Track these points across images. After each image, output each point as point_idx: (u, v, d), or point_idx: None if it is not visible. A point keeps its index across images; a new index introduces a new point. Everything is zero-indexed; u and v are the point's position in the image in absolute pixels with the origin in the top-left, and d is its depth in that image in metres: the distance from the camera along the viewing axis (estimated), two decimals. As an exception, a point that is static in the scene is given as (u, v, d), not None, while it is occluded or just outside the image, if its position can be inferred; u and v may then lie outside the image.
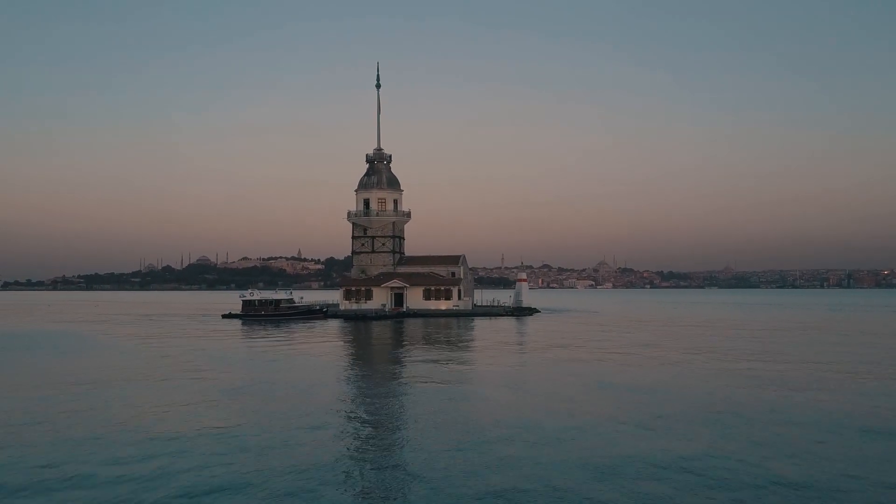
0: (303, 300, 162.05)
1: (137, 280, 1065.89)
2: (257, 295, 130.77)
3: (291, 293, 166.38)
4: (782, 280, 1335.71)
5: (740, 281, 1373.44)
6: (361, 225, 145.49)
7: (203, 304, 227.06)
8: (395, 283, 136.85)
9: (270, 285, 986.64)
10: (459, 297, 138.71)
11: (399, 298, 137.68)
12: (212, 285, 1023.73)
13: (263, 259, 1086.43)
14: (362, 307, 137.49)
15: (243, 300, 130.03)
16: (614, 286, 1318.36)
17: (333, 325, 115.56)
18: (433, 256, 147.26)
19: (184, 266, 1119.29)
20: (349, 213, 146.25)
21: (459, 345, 78.40)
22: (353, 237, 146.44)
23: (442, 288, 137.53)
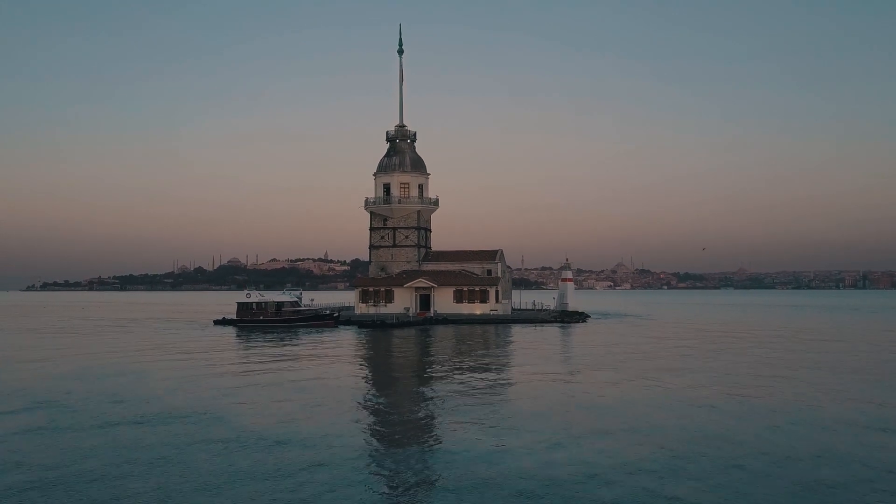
0: (313, 302, 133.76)
1: (170, 281, 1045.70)
2: (255, 296, 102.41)
3: (300, 294, 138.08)
4: (796, 281, 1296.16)
5: (754, 282, 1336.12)
6: (381, 214, 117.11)
7: (207, 306, 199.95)
8: (421, 282, 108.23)
9: (298, 286, 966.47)
10: (497, 300, 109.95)
11: (425, 301, 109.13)
12: (241, 286, 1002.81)
13: (291, 260, 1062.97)
14: (381, 311, 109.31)
15: (238, 303, 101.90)
16: (632, 287, 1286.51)
17: (346, 335, 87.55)
18: (465, 251, 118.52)
19: (215, 267, 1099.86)
20: (366, 201, 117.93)
21: (507, 371, 49.70)
22: (371, 229, 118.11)
23: (476, 289, 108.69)
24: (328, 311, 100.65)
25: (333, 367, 53.34)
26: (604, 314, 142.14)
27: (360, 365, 55.68)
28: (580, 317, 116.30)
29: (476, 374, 48.43)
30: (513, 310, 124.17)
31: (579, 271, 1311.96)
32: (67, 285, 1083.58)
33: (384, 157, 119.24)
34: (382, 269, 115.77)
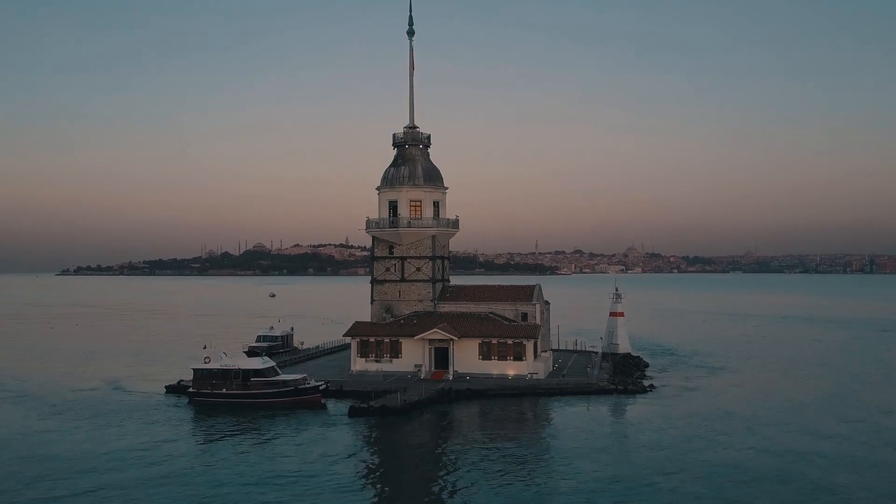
0: (303, 345, 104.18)
1: (197, 266, 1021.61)
2: (219, 358, 72.04)
3: (292, 329, 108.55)
4: (803, 265, 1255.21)
5: (762, 266, 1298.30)
6: (386, 240, 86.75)
7: (200, 328, 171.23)
8: (437, 333, 77.85)
9: (320, 271, 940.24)
10: (536, 355, 79.64)
11: (442, 356, 78.94)
12: (266, 271, 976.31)
13: (314, 246, 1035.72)
14: (386, 369, 79.48)
15: (194, 370, 71.80)
16: (643, 271, 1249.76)
17: (330, 431, 57.94)
18: (493, 288, 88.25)
19: (241, 252, 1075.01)
20: (368, 222, 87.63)
21: None
22: (374, 258, 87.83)
23: (509, 342, 78.20)
24: (310, 383, 70.21)
25: None
26: (661, 351, 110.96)
27: None
28: (639, 375, 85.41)
29: None
30: (552, 350, 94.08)
31: (591, 255, 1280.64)
32: (100, 269, 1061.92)
33: (390, 166, 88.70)
34: (388, 311, 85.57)
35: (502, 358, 78.17)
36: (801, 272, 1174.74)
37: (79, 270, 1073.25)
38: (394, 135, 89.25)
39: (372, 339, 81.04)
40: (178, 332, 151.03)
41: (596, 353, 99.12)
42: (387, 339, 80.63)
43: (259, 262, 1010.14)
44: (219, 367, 70.65)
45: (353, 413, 63.27)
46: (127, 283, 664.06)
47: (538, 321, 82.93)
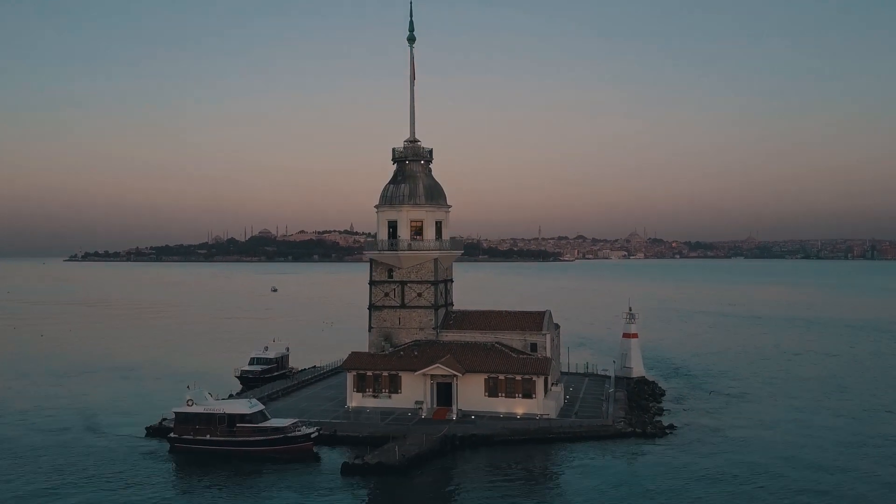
0: (293, 370, 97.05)
1: (203, 252, 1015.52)
2: (203, 400, 65.18)
3: (287, 350, 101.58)
4: (804, 250, 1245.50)
5: (763, 251, 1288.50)
6: (385, 264, 79.70)
7: (193, 353, 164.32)
8: (440, 368, 70.99)
9: (324, 258, 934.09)
10: (546, 390, 72.83)
11: (445, 392, 72.14)
12: (271, 257, 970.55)
13: (319, 232, 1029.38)
14: (385, 405, 72.79)
15: (176, 413, 65.00)
16: (645, 256, 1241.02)
17: (322, 496, 51.29)
18: (500, 314, 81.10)
19: (247, 238, 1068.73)
20: (366, 243, 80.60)
21: None
22: (372, 282, 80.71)
23: (517, 378, 71.33)
24: (302, 430, 63.39)
25: None
26: (675, 371, 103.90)
27: None
28: (656, 409, 78.47)
29: None
30: (561, 374, 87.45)
31: (594, 240, 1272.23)
32: (107, 256, 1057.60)
33: (389, 183, 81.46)
34: (387, 339, 78.72)
35: (510, 395, 71.36)
36: (802, 258, 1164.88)
37: (86, 256, 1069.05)
38: (393, 149, 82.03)
39: (369, 373, 74.21)
40: (172, 346, 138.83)
41: (608, 375, 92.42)
42: (385, 373, 73.80)
43: (265, 248, 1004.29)
44: (202, 412, 63.86)
45: (346, 471, 56.43)
46: (132, 271, 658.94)
47: (548, 352, 76.06)
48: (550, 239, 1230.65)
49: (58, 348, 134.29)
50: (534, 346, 76.36)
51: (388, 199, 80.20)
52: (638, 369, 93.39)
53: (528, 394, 71.03)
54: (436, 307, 78.44)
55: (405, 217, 78.93)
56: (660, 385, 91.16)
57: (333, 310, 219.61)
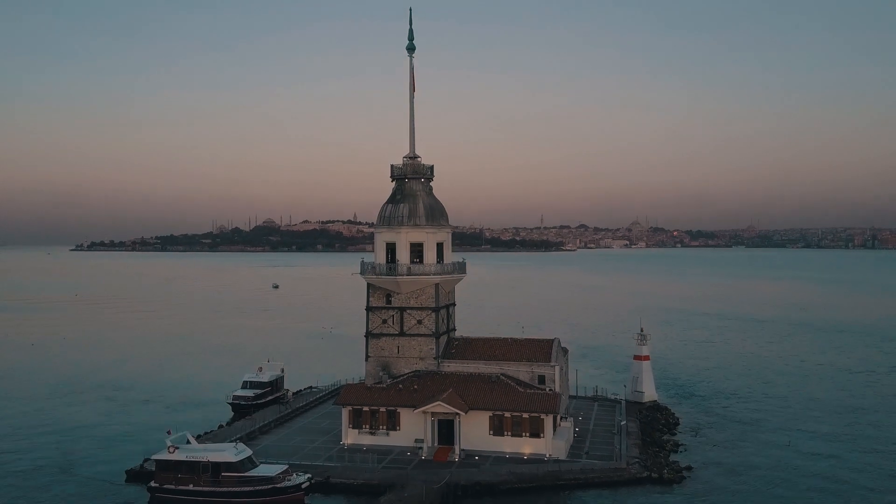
0: (288, 393, 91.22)
1: (208, 241, 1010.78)
2: (186, 444, 59.62)
3: (283, 371, 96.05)
4: (804, 239, 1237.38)
5: (764, 240, 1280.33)
6: (383, 288, 73.97)
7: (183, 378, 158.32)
8: (441, 406, 65.34)
9: (328, 248, 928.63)
10: (555, 426, 67.25)
11: (447, 429, 66.64)
12: (275, 247, 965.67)
13: (322, 222, 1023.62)
14: (382, 443, 67.41)
15: (157, 461, 59.51)
16: (647, 245, 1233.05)
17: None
18: (506, 342, 75.41)
19: (251, 228, 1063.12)
20: (362, 265, 74.85)
21: None
22: (369, 308, 74.91)
23: (524, 416, 65.74)
24: (293, 479, 57.91)
25: None
26: (688, 393, 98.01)
27: None
28: (671, 444, 72.76)
29: None
30: (570, 398, 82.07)
31: (596, 229, 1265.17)
32: (112, 245, 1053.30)
33: (387, 202, 75.58)
34: (385, 370, 73.11)
35: (517, 434, 65.80)
36: (803, 247, 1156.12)
37: (92, 246, 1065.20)
38: (392, 166, 76.14)
39: (366, 409, 68.69)
40: (163, 361, 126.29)
41: (619, 400, 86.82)
42: (382, 409, 68.29)
43: (269, 238, 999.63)
44: (185, 459, 58.38)
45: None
46: (135, 263, 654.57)
47: (557, 386, 70.45)
48: (552, 228, 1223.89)
49: (45, 361, 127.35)
50: (542, 379, 70.79)
51: (387, 219, 74.34)
52: (650, 393, 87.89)
53: (536, 433, 65.47)
54: (437, 335, 72.77)
55: (404, 239, 73.12)
56: (673, 412, 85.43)
57: (334, 310, 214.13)
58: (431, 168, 76.33)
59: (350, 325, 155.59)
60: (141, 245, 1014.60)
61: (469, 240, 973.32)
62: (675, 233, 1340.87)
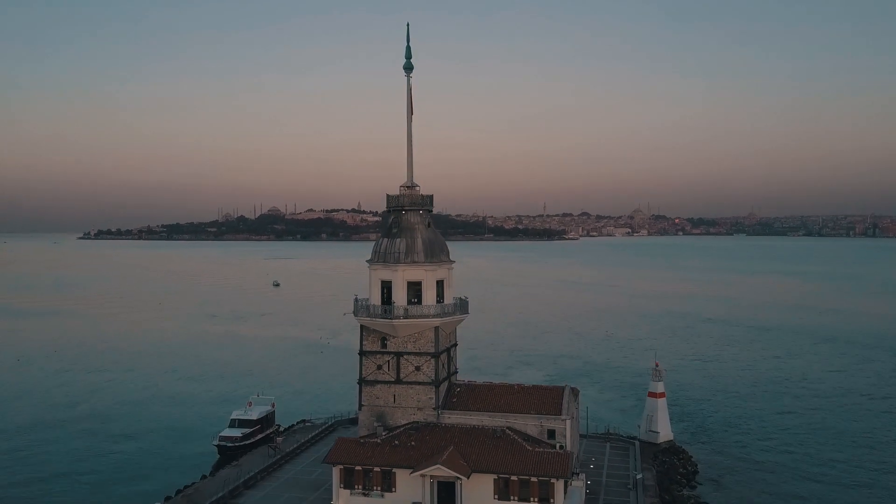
0: (281, 432, 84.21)
1: (213, 230, 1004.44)
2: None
3: (273, 405, 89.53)
4: (805, 227, 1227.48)
5: (765, 227, 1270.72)
6: (378, 332, 66.77)
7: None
8: (440, 470, 58.30)
9: (332, 236, 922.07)
10: (566, 490, 60.16)
11: (447, 493, 59.60)
12: (280, 236, 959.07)
13: (327, 211, 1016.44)
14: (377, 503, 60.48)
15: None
16: (649, 233, 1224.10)
17: None
18: (511, 391, 68.03)
19: (256, 216, 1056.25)
20: (356, 305, 67.56)
21: None
22: (363, 353, 67.72)
23: (533, 479, 58.70)
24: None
25: None
26: (704, 429, 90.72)
27: None
28: (693, 501, 65.78)
29: None
30: (581, 436, 75.14)
31: (598, 217, 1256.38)
32: (119, 234, 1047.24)
33: (383, 236, 68.28)
34: (380, 420, 66.07)
35: (524, 498, 58.67)
36: (804, 235, 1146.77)
37: (99, 234, 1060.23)
38: (388, 196, 68.77)
39: (358, 468, 61.65)
40: (146, 392, 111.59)
41: (632, 441, 79.84)
42: (376, 469, 61.25)
43: (273, 226, 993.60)
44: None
45: None
46: (142, 253, 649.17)
47: (568, 442, 63.33)
48: (555, 216, 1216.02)
49: (12, 388, 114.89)
50: (551, 433, 63.67)
51: (382, 255, 66.97)
52: (665, 433, 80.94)
53: (546, 498, 58.32)
54: (437, 383, 65.59)
55: (401, 277, 65.76)
56: (690, 455, 78.50)
57: (334, 312, 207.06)
58: (430, 199, 68.85)
59: (347, 334, 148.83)
60: (147, 234, 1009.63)
61: (472, 228, 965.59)
62: (676, 220, 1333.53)
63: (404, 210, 67.73)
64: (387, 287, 66.41)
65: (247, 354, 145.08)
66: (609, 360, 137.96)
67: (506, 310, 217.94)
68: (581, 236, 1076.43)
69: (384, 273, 66.50)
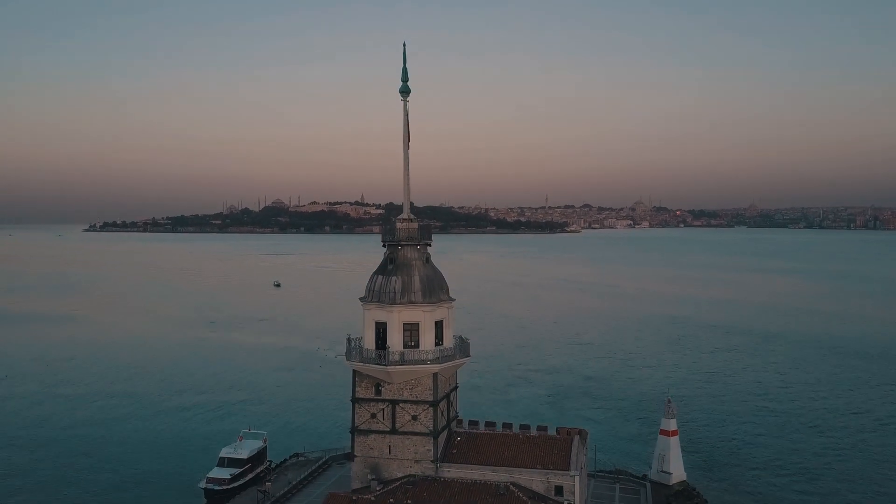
0: (272, 467, 78.57)
1: (218, 223, 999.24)
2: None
3: (266, 440, 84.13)
4: (806, 219, 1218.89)
5: (766, 219, 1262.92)
6: (372, 378, 61.24)
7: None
8: (438, 535, 52.94)
9: (335, 229, 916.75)
10: (574, 556, 54.74)
11: (446, 558, 54.30)
12: (284, 228, 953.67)
13: (330, 203, 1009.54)
14: (369, 571, 55.03)
15: None
16: (650, 225, 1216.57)
17: None
18: (515, 441, 62.40)
19: (261, 208, 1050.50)
20: (348, 350, 61.97)
21: None
22: (356, 400, 62.15)
23: (539, 548, 53.29)
24: None
25: None
26: (718, 465, 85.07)
27: None
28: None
29: None
30: (588, 475, 69.73)
31: (600, 209, 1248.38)
32: (124, 226, 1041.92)
33: (377, 273, 62.53)
34: (374, 472, 60.64)
35: (529, 567, 53.41)
36: (804, 227, 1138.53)
37: (104, 227, 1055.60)
38: (384, 229, 63.16)
39: (350, 529, 56.29)
40: (127, 427, 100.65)
41: (644, 483, 74.42)
42: (370, 531, 55.85)
43: (277, 219, 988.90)
44: None
45: None
46: (146, 246, 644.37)
47: (577, 499, 57.84)
48: (557, 208, 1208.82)
49: None
50: (559, 490, 58.20)
51: (377, 294, 61.27)
52: (678, 474, 75.30)
53: (553, 567, 53.07)
54: (435, 434, 60.06)
55: (396, 319, 60.10)
56: (704, 497, 73.08)
57: (334, 314, 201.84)
58: (429, 232, 63.19)
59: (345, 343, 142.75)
60: (152, 226, 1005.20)
61: (475, 221, 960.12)
62: (678, 212, 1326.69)
63: (401, 245, 62.03)
64: (381, 328, 60.84)
65: (241, 376, 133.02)
66: (613, 375, 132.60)
67: (506, 316, 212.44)
68: (583, 229, 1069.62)
69: (378, 314, 60.84)
